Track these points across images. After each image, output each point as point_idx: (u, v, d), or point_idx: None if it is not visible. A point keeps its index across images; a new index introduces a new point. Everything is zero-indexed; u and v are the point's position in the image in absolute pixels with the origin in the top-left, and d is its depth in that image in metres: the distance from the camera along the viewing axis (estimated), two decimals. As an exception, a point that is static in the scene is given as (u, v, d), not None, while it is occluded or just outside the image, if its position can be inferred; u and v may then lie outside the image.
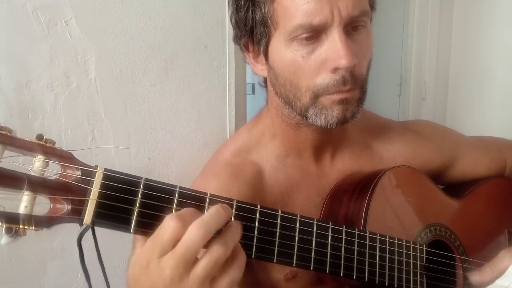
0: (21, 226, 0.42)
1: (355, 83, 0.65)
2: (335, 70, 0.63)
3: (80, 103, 0.81)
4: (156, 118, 0.91)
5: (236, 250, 0.47)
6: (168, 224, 0.43)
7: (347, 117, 0.67)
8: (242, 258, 0.48)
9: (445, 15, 1.63)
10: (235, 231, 0.47)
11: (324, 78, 0.64)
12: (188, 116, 0.96)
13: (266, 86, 0.79)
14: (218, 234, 0.46)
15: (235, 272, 0.47)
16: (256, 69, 0.74)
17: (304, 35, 0.62)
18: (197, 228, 0.43)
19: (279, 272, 0.72)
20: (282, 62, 0.66)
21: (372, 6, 0.67)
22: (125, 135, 0.88)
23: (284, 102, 0.71)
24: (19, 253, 0.78)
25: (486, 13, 1.52)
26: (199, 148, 0.98)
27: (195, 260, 0.44)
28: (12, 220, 0.41)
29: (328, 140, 0.78)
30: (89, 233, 0.50)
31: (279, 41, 0.65)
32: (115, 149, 0.87)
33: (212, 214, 0.45)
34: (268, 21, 0.64)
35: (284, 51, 0.65)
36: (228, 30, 0.98)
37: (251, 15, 0.66)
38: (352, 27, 0.63)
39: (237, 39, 0.73)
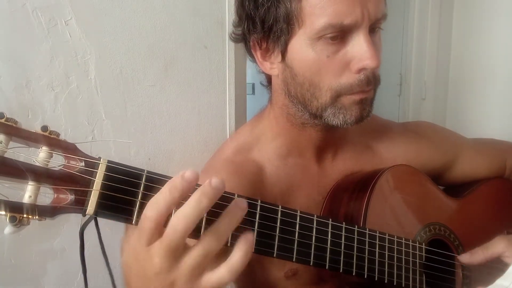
0: (25, 216, 0.42)
1: (375, 83, 0.66)
2: (360, 70, 0.63)
3: (80, 103, 0.81)
4: (156, 118, 0.91)
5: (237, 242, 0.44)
6: (145, 215, 0.42)
7: (363, 117, 0.68)
8: (239, 251, 0.44)
9: (445, 15, 1.63)
10: (232, 219, 0.44)
11: (348, 78, 0.64)
12: (188, 116, 0.96)
13: (269, 85, 0.78)
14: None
15: (226, 269, 0.43)
16: (264, 67, 0.73)
17: (331, 35, 0.62)
18: (178, 220, 0.42)
19: (279, 270, 0.72)
20: (304, 61, 0.65)
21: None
22: (125, 135, 0.88)
23: (296, 102, 0.70)
24: (19, 253, 0.78)
25: (486, 13, 1.52)
26: (199, 148, 0.98)
27: (185, 248, 0.43)
28: (16, 209, 0.42)
29: (330, 140, 0.78)
30: (91, 226, 0.50)
31: (302, 39, 0.64)
32: (115, 149, 0.87)
33: (191, 204, 0.43)
34: (293, 18, 0.63)
35: (307, 49, 0.64)
36: (228, 30, 0.98)
37: (274, 11, 0.64)
38: (371, 29, 0.64)
39: (245, 35, 0.71)
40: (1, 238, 0.76)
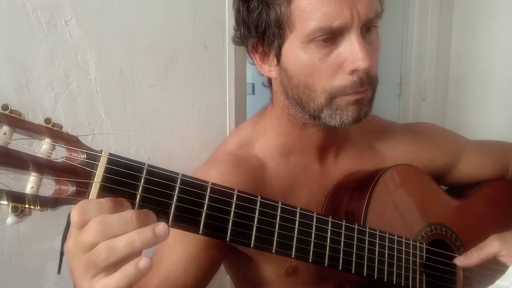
0: (26, 206, 0.43)
1: (370, 83, 0.66)
2: (353, 71, 0.63)
3: (80, 103, 0.81)
4: (156, 118, 0.91)
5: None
6: (72, 216, 0.44)
7: (361, 117, 0.67)
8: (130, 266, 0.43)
9: (445, 15, 1.63)
10: (133, 240, 0.43)
11: (342, 80, 0.64)
12: (188, 116, 0.96)
13: (270, 86, 0.78)
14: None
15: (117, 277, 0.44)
16: (263, 70, 0.73)
17: (322, 37, 0.62)
18: (95, 224, 0.43)
19: (279, 267, 0.73)
20: (297, 64, 0.66)
21: (381, 8, 0.67)
22: (125, 135, 0.88)
23: (294, 103, 0.71)
24: (19, 253, 0.78)
25: (486, 13, 1.52)
26: (199, 148, 0.98)
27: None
28: (18, 199, 0.42)
29: (332, 140, 0.78)
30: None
31: (294, 43, 0.64)
32: (115, 149, 0.87)
33: (121, 219, 0.44)
34: (284, 22, 0.63)
35: (299, 53, 0.64)
36: (228, 30, 0.98)
37: (265, 16, 0.64)
38: (365, 28, 0.64)
39: (243, 40, 0.72)
40: (1, 238, 0.76)
